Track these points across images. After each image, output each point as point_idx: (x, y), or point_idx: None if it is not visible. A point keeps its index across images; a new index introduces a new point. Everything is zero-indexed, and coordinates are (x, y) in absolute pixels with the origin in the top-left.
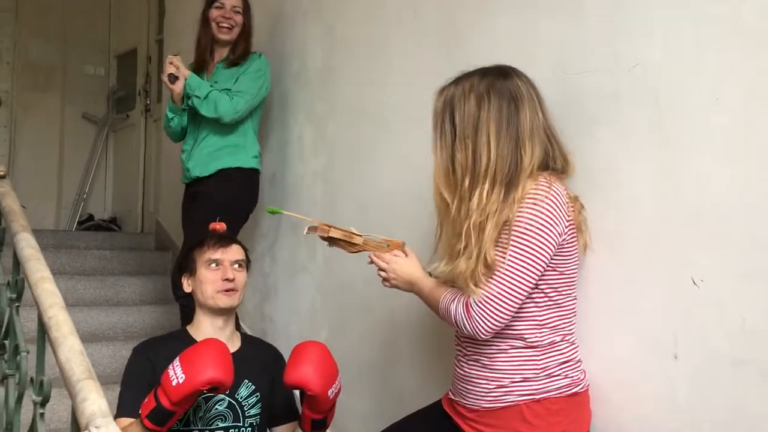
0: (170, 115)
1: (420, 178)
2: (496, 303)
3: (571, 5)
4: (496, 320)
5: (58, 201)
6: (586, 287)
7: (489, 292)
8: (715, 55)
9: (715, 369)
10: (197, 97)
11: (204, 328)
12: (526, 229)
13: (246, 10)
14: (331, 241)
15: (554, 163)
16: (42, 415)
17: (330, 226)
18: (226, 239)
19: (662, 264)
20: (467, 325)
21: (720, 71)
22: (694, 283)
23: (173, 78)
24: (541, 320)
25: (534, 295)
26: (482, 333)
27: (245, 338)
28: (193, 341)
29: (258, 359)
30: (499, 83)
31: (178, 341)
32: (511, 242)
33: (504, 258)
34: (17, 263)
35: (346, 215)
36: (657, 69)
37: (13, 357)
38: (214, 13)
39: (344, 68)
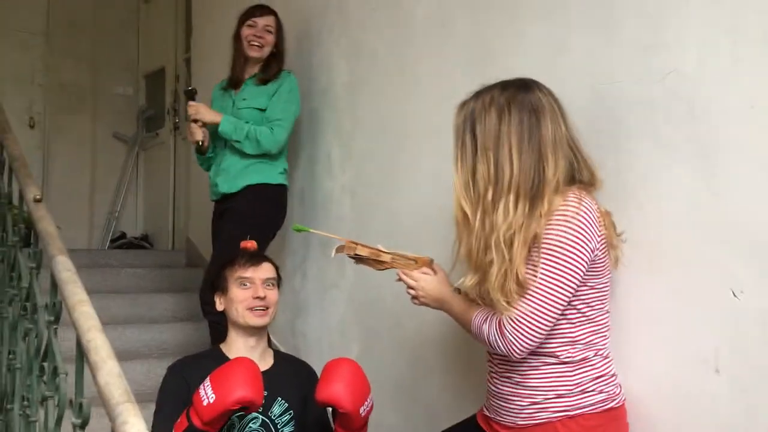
0: (198, 162)
1: (448, 190)
2: (530, 323)
3: (602, 16)
4: (530, 340)
5: (90, 220)
6: (625, 301)
7: (522, 312)
8: (749, 64)
9: (758, 383)
10: (237, 141)
11: (237, 346)
12: (558, 247)
13: (278, 30)
14: (359, 259)
15: (580, 175)
16: None
17: (357, 244)
18: (257, 257)
19: (701, 276)
20: (501, 346)
21: (755, 79)
22: (734, 294)
23: (200, 145)
24: (574, 336)
25: (567, 312)
26: (516, 353)
27: (278, 355)
28: (226, 360)
29: (291, 376)
30: (520, 96)
31: (212, 360)
32: (542, 261)
33: (536, 277)
34: (55, 286)
35: (375, 230)
36: (691, 78)
37: (52, 379)
38: (246, 31)
39: (371, 83)
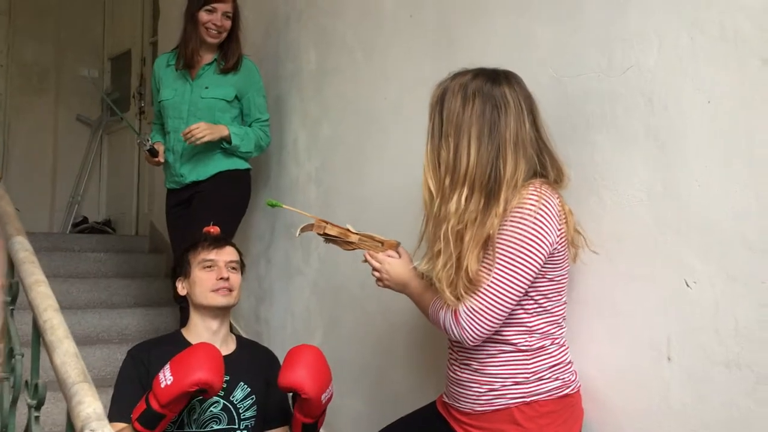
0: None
1: (414, 178)
2: (484, 313)
3: (565, 10)
4: (483, 329)
5: (52, 203)
6: (582, 289)
7: (478, 302)
8: (707, 59)
9: (708, 370)
10: (248, 152)
11: (198, 330)
12: (515, 240)
13: (236, 16)
14: (327, 238)
15: (545, 173)
16: (37, 418)
17: (327, 223)
18: (220, 241)
19: (656, 266)
20: (455, 332)
21: (712, 75)
22: (688, 285)
23: (154, 152)
24: (530, 326)
25: (523, 302)
26: (470, 340)
27: (240, 341)
28: (186, 343)
29: (253, 361)
30: (486, 87)
31: (171, 344)
32: (498, 253)
33: (491, 270)
34: (12, 266)
35: (341, 216)
36: (651, 72)
37: (8, 360)
38: (204, 16)
39: (339, 70)
